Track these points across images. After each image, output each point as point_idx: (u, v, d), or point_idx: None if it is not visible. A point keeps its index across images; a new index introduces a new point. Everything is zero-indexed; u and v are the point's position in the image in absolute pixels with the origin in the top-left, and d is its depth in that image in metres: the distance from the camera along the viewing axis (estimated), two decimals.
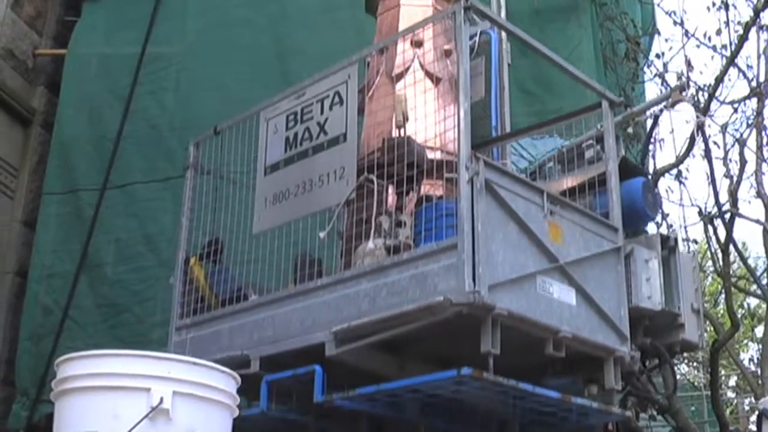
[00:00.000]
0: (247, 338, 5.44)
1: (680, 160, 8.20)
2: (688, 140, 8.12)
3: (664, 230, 7.04)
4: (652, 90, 10.32)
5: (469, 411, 5.46)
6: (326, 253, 5.46)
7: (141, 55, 8.50)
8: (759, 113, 9.65)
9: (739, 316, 9.70)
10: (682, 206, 9.98)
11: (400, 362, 5.08)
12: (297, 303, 5.23)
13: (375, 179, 5.20)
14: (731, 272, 9.82)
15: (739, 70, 9.41)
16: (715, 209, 8.86)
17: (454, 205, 4.70)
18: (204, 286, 5.91)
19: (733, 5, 9.34)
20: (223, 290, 5.81)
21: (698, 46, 9.39)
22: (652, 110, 6.77)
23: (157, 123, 8.35)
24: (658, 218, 6.37)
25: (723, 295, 11.23)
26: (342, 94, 5.50)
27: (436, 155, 5.40)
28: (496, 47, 6.38)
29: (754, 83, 9.46)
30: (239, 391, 5.28)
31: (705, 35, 9.48)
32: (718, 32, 9.39)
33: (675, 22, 9.46)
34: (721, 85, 8.55)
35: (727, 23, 9.28)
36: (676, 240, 5.90)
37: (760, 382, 10.17)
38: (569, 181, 5.68)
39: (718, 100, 8.89)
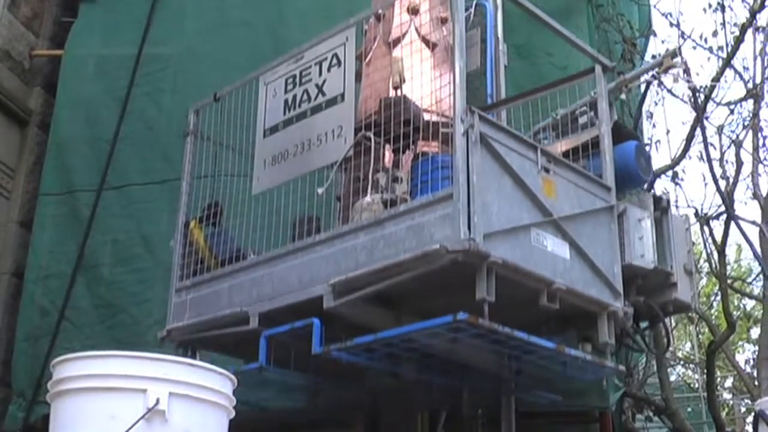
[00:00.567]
0: (246, 296, 5.50)
1: (676, 161, 8.21)
2: (684, 141, 8.14)
3: None
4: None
5: (466, 370, 5.57)
6: (324, 212, 5.56)
7: (138, 56, 8.50)
8: (755, 115, 9.67)
9: (735, 317, 9.70)
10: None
11: (396, 316, 5.14)
12: (295, 259, 5.28)
13: (372, 137, 5.30)
14: (726, 274, 9.82)
15: (736, 71, 9.44)
16: (711, 210, 8.89)
17: (449, 158, 4.79)
18: (203, 248, 5.98)
19: (729, 7, 9.37)
20: (222, 251, 5.88)
21: (695, 48, 9.42)
22: (644, 77, 6.82)
23: (155, 124, 8.34)
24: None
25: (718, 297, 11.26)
26: (340, 56, 5.58)
27: (431, 118, 5.45)
28: (491, 19, 6.50)
29: (750, 85, 9.48)
30: (239, 350, 5.36)
31: (701, 37, 9.51)
32: (715, 34, 9.42)
33: (671, 24, 9.50)
34: (717, 86, 8.56)
35: (723, 25, 9.31)
36: (668, 201, 6.00)
37: (756, 383, 10.18)
38: (563, 145, 5.76)
39: (714, 102, 8.90)
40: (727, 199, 8.87)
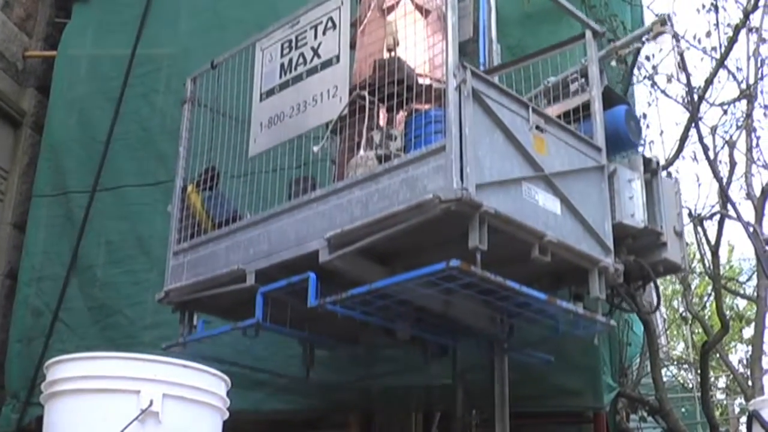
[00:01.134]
0: (242, 254, 5.56)
1: (670, 162, 8.21)
2: (678, 142, 8.14)
3: None
4: (641, 91, 10.35)
5: (459, 328, 5.75)
6: (319, 175, 5.65)
7: (132, 56, 8.49)
8: (749, 115, 9.67)
9: (728, 317, 9.71)
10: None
11: (391, 272, 5.17)
12: (291, 217, 5.35)
13: (366, 95, 5.38)
14: (720, 274, 9.82)
15: (729, 72, 9.43)
16: (706, 208, 8.89)
17: (442, 112, 4.87)
18: (200, 211, 6.05)
19: (722, 7, 9.36)
20: (219, 214, 5.96)
21: (688, 48, 9.41)
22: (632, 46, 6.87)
23: (149, 125, 8.33)
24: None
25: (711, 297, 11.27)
26: (335, 19, 5.66)
27: (425, 81, 5.52)
28: None
29: (743, 85, 9.48)
30: (236, 313, 5.36)
31: (695, 37, 9.50)
32: (708, 34, 9.41)
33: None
34: (710, 87, 8.55)
35: (716, 25, 9.30)
36: (658, 163, 6.06)
37: (750, 383, 10.19)
38: (554, 110, 5.81)
39: (707, 102, 8.90)
40: (722, 198, 8.87)
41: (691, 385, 15.87)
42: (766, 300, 9.40)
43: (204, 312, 6.16)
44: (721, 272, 10.22)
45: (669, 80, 9.07)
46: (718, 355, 11.90)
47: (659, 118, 16.92)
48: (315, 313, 5.48)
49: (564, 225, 5.10)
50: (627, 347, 8.47)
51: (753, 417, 5.00)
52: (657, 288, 6.41)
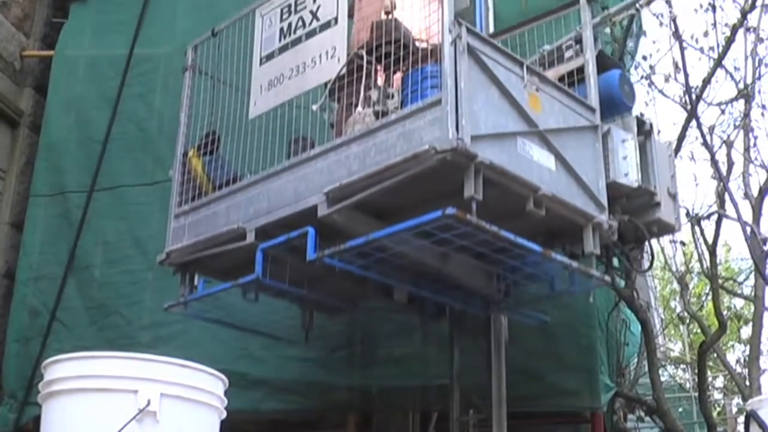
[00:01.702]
0: (243, 213, 5.63)
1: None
2: (675, 142, 8.15)
3: None
4: (639, 90, 10.34)
5: (456, 289, 5.82)
6: (318, 137, 5.70)
7: (129, 56, 8.48)
8: (746, 115, 9.69)
9: (726, 317, 9.72)
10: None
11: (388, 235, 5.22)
12: (290, 175, 5.42)
13: (365, 55, 5.46)
14: (717, 274, 9.83)
15: (727, 71, 9.44)
16: (702, 209, 8.90)
17: (438, 67, 4.91)
18: (201, 175, 6.13)
19: (720, 7, 9.38)
20: (219, 176, 6.03)
21: (685, 48, 9.42)
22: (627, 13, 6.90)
23: (146, 125, 8.33)
24: None
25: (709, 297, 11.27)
26: None
27: (422, 46, 5.57)
28: None
29: (741, 85, 9.49)
30: (237, 275, 5.50)
31: (692, 37, 9.52)
32: (706, 34, 9.43)
33: (661, 24, 9.50)
34: (708, 86, 8.57)
35: (714, 25, 9.32)
36: (651, 125, 6.12)
37: (747, 383, 10.21)
38: (549, 75, 5.83)
39: (705, 102, 8.91)
40: (720, 198, 8.88)
41: (688, 385, 15.89)
42: (763, 300, 9.42)
43: (205, 274, 6.21)
44: (719, 272, 10.22)
45: (666, 80, 9.09)
46: (715, 355, 11.91)
47: (656, 118, 16.90)
48: (314, 275, 5.63)
49: (558, 181, 5.16)
50: (624, 347, 8.48)
51: (750, 417, 5.00)
52: (651, 248, 6.45)
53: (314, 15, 5.79)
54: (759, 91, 9.80)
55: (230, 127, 6.00)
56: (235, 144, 5.90)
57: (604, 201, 5.45)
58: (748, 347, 11.79)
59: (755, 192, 9.59)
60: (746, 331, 15.49)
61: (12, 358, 7.83)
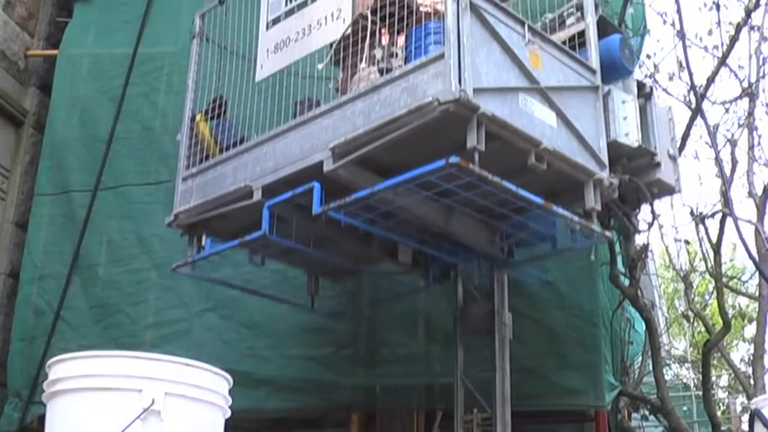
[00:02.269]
0: (249, 173, 5.70)
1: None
2: (679, 140, 8.13)
3: None
4: None
5: (460, 248, 5.96)
6: (323, 99, 5.76)
7: (133, 55, 8.48)
8: (750, 113, 9.67)
9: (730, 316, 9.71)
10: (672, 207, 10.01)
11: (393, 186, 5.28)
12: (296, 134, 5.49)
13: (369, 16, 5.52)
14: (722, 272, 9.81)
15: (731, 70, 9.43)
16: (707, 209, 8.88)
17: (440, 24, 4.98)
18: (209, 139, 6.20)
19: (724, 6, 9.36)
20: (226, 138, 6.11)
21: (689, 47, 9.40)
22: None
23: (151, 125, 8.33)
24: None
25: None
26: None
27: (425, 10, 5.64)
28: None
29: (745, 83, 9.48)
30: (243, 233, 5.59)
31: (696, 36, 9.50)
32: (710, 32, 9.41)
33: (665, 21, 9.49)
34: (712, 85, 8.55)
35: (718, 23, 9.30)
36: (651, 88, 6.21)
37: (751, 381, 10.18)
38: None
39: (709, 101, 8.89)
40: (721, 200, 8.87)
41: (692, 384, 15.88)
42: None
43: (212, 235, 6.24)
44: (723, 270, 10.19)
45: (671, 78, 9.07)
46: (719, 354, 11.89)
47: None
48: (320, 237, 5.71)
49: (559, 137, 5.22)
50: (629, 346, 8.48)
51: (755, 415, 4.99)
52: (653, 208, 6.49)
53: None
54: (763, 90, 9.78)
55: (237, 92, 6.04)
56: (242, 109, 5.95)
57: (605, 159, 5.50)
58: (752, 346, 11.76)
59: (759, 191, 9.56)
60: (750, 330, 15.47)
61: (16, 357, 7.84)
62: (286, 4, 6.05)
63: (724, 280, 10.29)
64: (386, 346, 7.30)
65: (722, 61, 8.71)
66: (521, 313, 6.69)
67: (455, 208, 5.47)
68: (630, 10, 7.88)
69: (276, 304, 7.14)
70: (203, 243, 6.14)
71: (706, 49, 9.35)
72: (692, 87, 7.79)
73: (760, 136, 10.10)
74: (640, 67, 9.37)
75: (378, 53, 5.44)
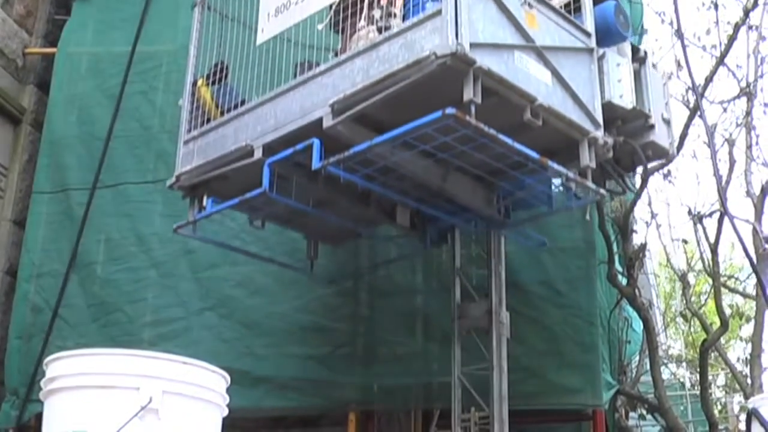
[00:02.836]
0: (250, 132, 5.79)
1: (669, 159, 8.20)
2: (677, 140, 8.14)
3: None
4: None
5: (458, 208, 6.05)
6: (323, 61, 5.78)
7: (131, 53, 8.48)
8: (748, 113, 9.67)
9: (728, 315, 9.70)
10: (669, 206, 10.02)
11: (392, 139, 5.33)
12: (296, 93, 5.57)
13: None
14: (719, 272, 9.83)
15: (729, 69, 9.44)
16: (704, 208, 8.90)
17: None
18: (210, 103, 6.28)
19: (722, 5, 9.37)
20: (227, 101, 6.17)
21: (687, 46, 9.39)
22: None
23: (149, 123, 8.33)
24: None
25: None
26: None
27: None
28: None
29: (743, 83, 9.49)
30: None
31: (695, 35, 9.51)
32: (708, 32, 9.42)
33: (663, 21, 9.51)
34: (710, 84, 8.56)
35: (716, 23, 9.32)
36: (645, 53, 6.29)
37: (749, 381, 10.19)
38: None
39: (707, 100, 8.90)
40: (721, 197, 8.88)
41: (688, 384, 15.88)
42: (765, 297, 9.41)
43: (214, 195, 6.26)
44: (721, 269, 10.21)
45: (669, 77, 9.06)
46: (717, 353, 11.90)
47: None
48: (319, 200, 5.79)
49: (554, 95, 5.29)
50: (626, 345, 8.48)
51: (752, 415, 5.00)
52: (646, 171, 6.58)
53: None
54: (761, 89, 9.79)
55: (238, 58, 6.08)
56: (243, 74, 5.99)
57: (600, 118, 5.58)
58: (748, 345, 11.77)
59: (757, 190, 9.57)
60: (747, 329, 15.46)
61: (14, 355, 7.84)
62: None
63: (722, 279, 10.30)
64: (384, 345, 7.30)
65: (720, 61, 8.72)
66: (519, 312, 6.70)
67: (452, 164, 5.54)
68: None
69: (274, 303, 7.14)
70: (204, 204, 6.18)
71: (704, 48, 9.36)
72: (692, 85, 7.79)
73: (758, 136, 10.11)
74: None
75: (377, 13, 5.52)
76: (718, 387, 18.96)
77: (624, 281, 7.82)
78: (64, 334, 7.74)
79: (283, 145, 5.50)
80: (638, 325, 8.75)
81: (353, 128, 5.22)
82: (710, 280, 9.95)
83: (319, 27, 5.74)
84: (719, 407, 17.97)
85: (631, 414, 9.27)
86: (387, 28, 5.32)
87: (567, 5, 5.86)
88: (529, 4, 5.30)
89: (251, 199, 5.74)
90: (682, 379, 16.87)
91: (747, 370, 11.05)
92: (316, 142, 5.24)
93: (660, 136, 6.09)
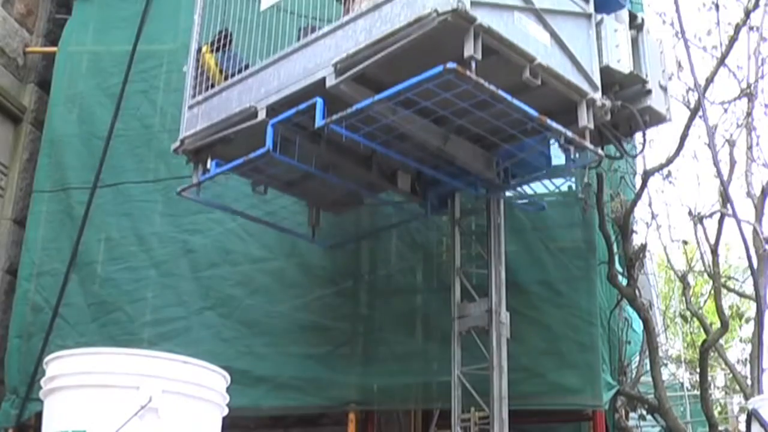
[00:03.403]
0: (254, 95, 5.86)
1: (670, 159, 8.21)
2: (678, 141, 8.14)
3: None
4: None
5: (458, 170, 6.13)
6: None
7: (132, 52, 8.46)
8: (749, 114, 9.66)
9: (727, 315, 9.70)
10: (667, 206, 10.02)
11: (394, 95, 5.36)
12: (300, 55, 5.64)
13: None
14: (719, 272, 9.82)
15: (730, 70, 9.43)
16: (704, 209, 8.89)
17: None
18: (214, 69, 6.36)
19: (723, 6, 9.36)
20: (231, 66, 6.23)
21: (689, 47, 9.38)
22: None
23: (150, 122, 8.33)
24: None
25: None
26: None
27: None
28: None
29: (744, 84, 9.48)
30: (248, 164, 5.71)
31: (695, 36, 9.50)
32: (709, 33, 9.41)
33: (664, 21, 9.49)
34: (711, 85, 8.55)
35: (717, 24, 9.30)
36: (643, 20, 6.36)
37: (748, 381, 10.19)
38: None
39: (708, 101, 8.89)
40: (719, 200, 8.88)
41: (687, 384, 15.87)
42: (765, 298, 9.40)
43: (217, 158, 6.30)
44: (721, 270, 10.20)
45: (669, 78, 9.05)
46: (716, 354, 11.89)
47: None
48: (322, 163, 5.88)
49: (553, 56, 5.37)
50: (626, 345, 8.48)
51: (752, 415, 5.00)
52: (644, 135, 6.54)
53: None
54: (762, 90, 9.78)
55: (242, 26, 6.13)
56: (247, 42, 6.03)
57: (598, 81, 5.64)
58: (748, 345, 11.78)
59: (758, 191, 9.56)
60: (746, 330, 15.46)
61: (14, 353, 7.84)
62: None
63: (722, 280, 10.29)
64: (384, 345, 7.30)
65: (721, 62, 8.71)
66: (519, 311, 6.70)
67: (453, 125, 5.59)
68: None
69: (274, 303, 7.14)
70: (209, 166, 6.21)
71: (705, 49, 9.35)
72: (695, 84, 7.78)
73: (758, 137, 10.10)
74: None
75: None
76: (718, 388, 18.97)
77: (624, 282, 7.82)
78: (64, 333, 7.74)
79: (286, 106, 5.57)
80: (638, 325, 8.75)
81: (355, 88, 5.29)
82: (710, 281, 9.94)
83: None
84: (719, 408, 17.98)
85: (631, 414, 9.26)
86: None
87: None
88: None
89: (255, 160, 5.80)
90: (680, 380, 16.86)
91: (746, 371, 11.05)
92: (319, 100, 5.31)
93: (657, 101, 6.18)
